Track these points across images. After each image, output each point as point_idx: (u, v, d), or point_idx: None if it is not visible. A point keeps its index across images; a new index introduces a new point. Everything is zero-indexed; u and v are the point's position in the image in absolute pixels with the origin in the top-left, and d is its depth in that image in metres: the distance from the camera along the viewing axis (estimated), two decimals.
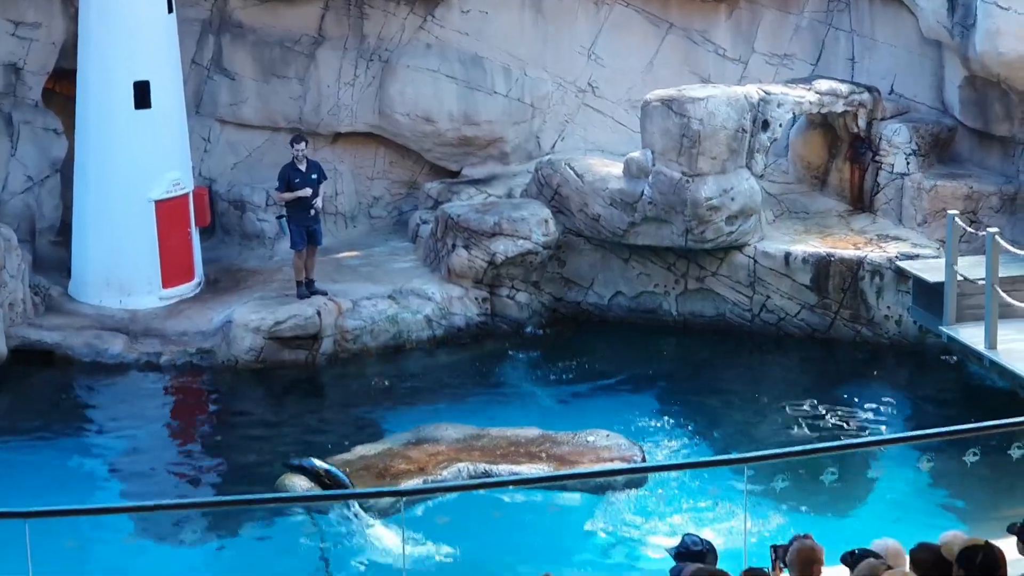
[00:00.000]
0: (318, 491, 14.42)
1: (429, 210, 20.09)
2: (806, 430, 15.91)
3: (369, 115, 20.85)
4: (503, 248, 18.65)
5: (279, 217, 18.81)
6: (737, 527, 11.40)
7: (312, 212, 18.34)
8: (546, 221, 18.77)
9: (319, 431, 16.51)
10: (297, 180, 18.30)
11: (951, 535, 8.56)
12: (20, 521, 10.68)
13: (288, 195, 18.30)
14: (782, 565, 9.18)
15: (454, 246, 18.83)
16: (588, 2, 20.86)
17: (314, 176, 18.41)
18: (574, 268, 19.18)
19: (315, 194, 18.33)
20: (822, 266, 18.10)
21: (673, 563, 9.67)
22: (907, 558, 8.80)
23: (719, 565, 9.46)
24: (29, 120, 19.74)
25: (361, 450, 15.52)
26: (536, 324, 18.97)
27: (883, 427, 16.08)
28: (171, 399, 17.60)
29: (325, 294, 18.39)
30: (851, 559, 8.81)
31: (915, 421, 16.35)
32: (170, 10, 18.78)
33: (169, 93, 18.89)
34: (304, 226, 18.34)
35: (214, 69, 20.79)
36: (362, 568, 13.35)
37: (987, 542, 7.84)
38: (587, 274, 19.19)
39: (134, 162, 18.61)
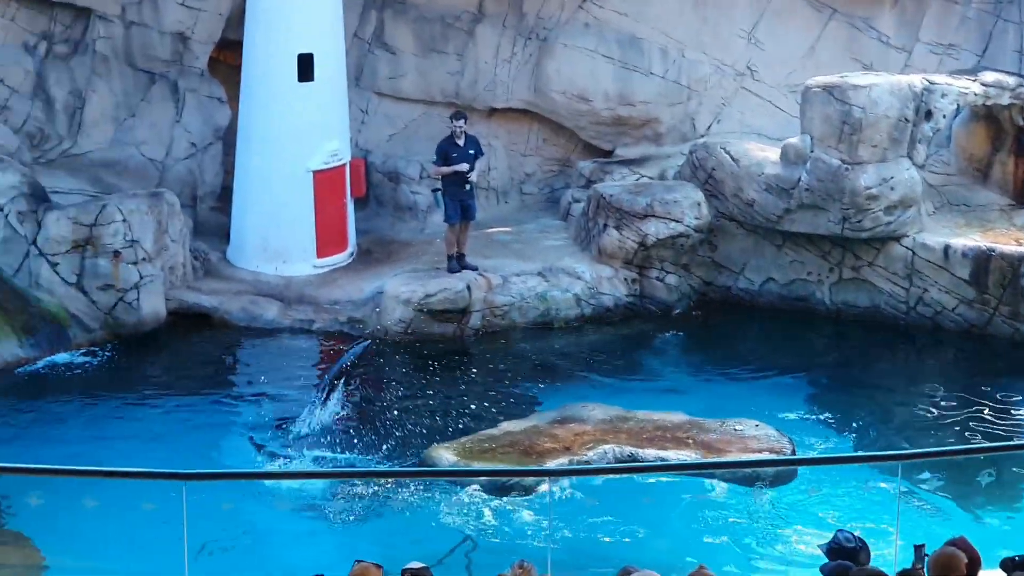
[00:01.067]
0: (463, 467, 14.54)
1: (581, 189, 20.10)
2: (962, 429, 15.66)
3: (525, 92, 20.90)
4: (654, 230, 18.61)
5: (435, 190, 18.95)
6: (890, 526, 11.26)
7: (468, 187, 18.45)
8: (699, 204, 18.68)
9: (465, 405, 16.63)
10: (455, 155, 18.41)
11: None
12: (178, 483, 10.91)
13: (445, 169, 18.42)
14: (921, 567, 9.07)
15: (605, 226, 18.83)
16: None
17: (471, 151, 18.51)
18: (725, 252, 19.07)
19: (471, 169, 18.42)
20: (982, 261, 17.79)
21: (824, 559, 9.59)
22: None
23: (872, 563, 9.36)
24: (194, 88, 20.11)
25: (507, 426, 15.60)
26: (685, 307, 18.90)
27: None
28: (321, 367, 17.84)
29: (475, 269, 18.51)
30: (1012, 564, 8.66)
31: None
32: None
33: (331, 66, 19.11)
34: (459, 200, 18.47)
35: (375, 43, 20.98)
36: (507, 544, 13.41)
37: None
38: (738, 259, 19.07)
39: (295, 132, 18.87)
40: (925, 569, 8.93)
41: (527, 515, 13.93)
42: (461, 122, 18.58)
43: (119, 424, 16.15)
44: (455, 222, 18.55)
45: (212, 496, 12.99)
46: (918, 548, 9.27)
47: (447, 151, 18.48)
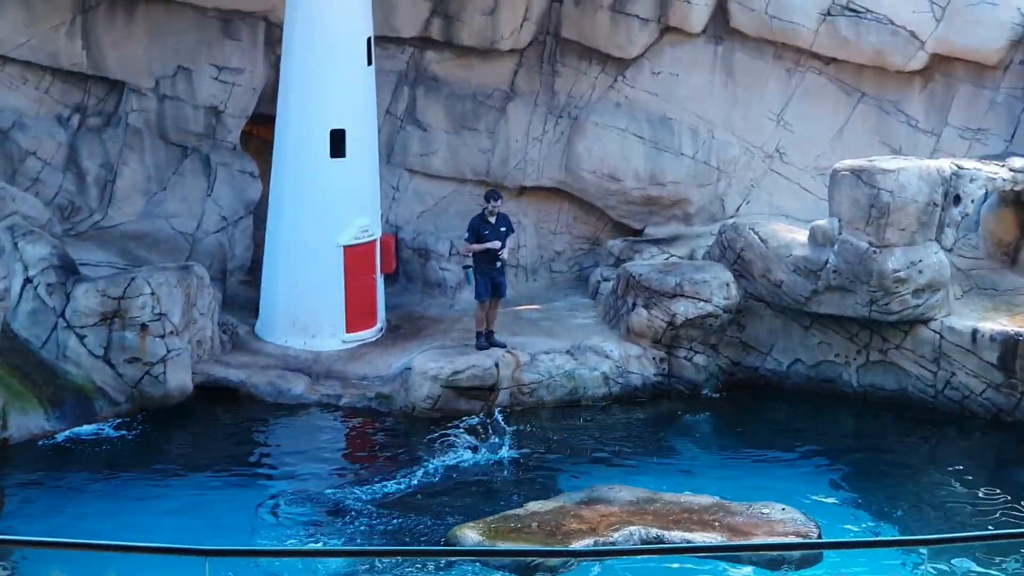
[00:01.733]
0: (488, 546, 14.48)
1: (610, 267, 20.14)
2: (987, 514, 15.54)
3: (555, 170, 21.00)
4: (683, 309, 18.62)
5: (466, 267, 19.01)
6: None
7: (499, 264, 18.52)
8: (728, 284, 18.70)
9: (491, 484, 16.57)
10: (487, 232, 18.50)
11: None
12: (200, 559, 10.90)
13: (477, 247, 18.50)
14: None
15: (634, 305, 18.85)
16: (780, 68, 20.80)
17: (502, 228, 18.61)
18: (753, 333, 19.05)
19: (503, 246, 18.50)
20: (1010, 345, 17.73)
21: None
22: None
23: None
24: (226, 163, 20.28)
25: (533, 506, 15.54)
26: (713, 387, 18.87)
27: None
28: (347, 443, 17.84)
29: (504, 346, 18.53)
30: None
31: None
32: (369, 62, 19.16)
33: (363, 142, 19.25)
34: (490, 277, 18.53)
35: (407, 120, 21.15)
36: None
37: None
38: (766, 340, 19.04)
39: (326, 208, 18.99)
40: None
41: None
42: (498, 203, 18.64)
43: (143, 498, 16.13)
44: (485, 299, 18.60)
45: (234, 572, 13.01)
46: None
47: (479, 228, 18.57)
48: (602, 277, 20.19)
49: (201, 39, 20.12)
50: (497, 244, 18.48)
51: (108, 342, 17.86)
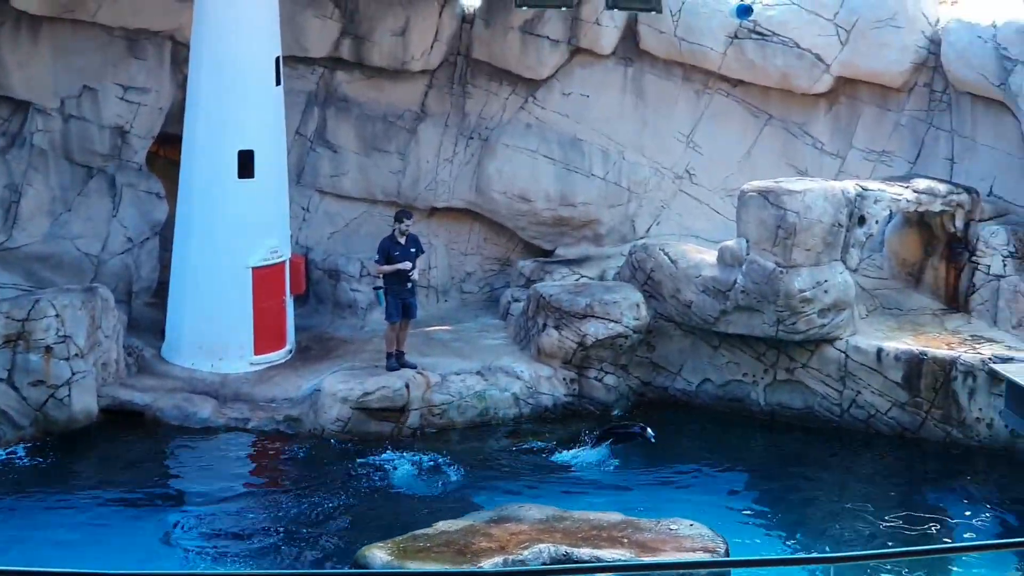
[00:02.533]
0: (397, 567, 14.41)
1: (521, 288, 20.18)
2: (893, 531, 15.69)
3: (466, 191, 21.03)
4: (594, 330, 18.67)
5: (376, 288, 18.94)
6: None
7: (409, 285, 18.47)
8: (638, 305, 18.78)
9: (400, 504, 16.51)
10: (396, 253, 18.45)
11: None
12: None
13: (387, 267, 18.43)
14: None
15: (545, 326, 18.88)
16: (689, 90, 20.97)
17: (412, 249, 18.56)
18: (663, 353, 19.15)
19: (413, 267, 18.46)
20: (914, 364, 17.95)
21: None
22: None
23: None
24: (132, 183, 20.11)
25: (442, 526, 15.48)
26: (623, 407, 18.93)
27: (972, 531, 15.83)
28: (255, 466, 17.70)
29: (414, 367, 18.48)
30: None
31: (1005, 527, 16.07)
32: (278, 83, 19.09)
33: (272, 163, 19.16)
34: (400, 298, 18.48)
35: (317, 141, 21.08)
36: None
37: None
38: (676, 360, 19.14)
39: (234, 229, 18.86)
40: None
41: None
42: (409, 222, 18.59)
43: (48, 523, 15.90)
44: (395, 320, 18.55)
45: None
46: None
47: (389, 249, 18.50)
48: (513, 298, 20.22)
49: (107, 58, 19.95)
50: (408, 265, 18.43)
51: (12, 365, 17.60)
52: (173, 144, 19.87)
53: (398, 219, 18.65)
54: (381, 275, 18.62)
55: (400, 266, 18.40)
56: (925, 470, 17.44)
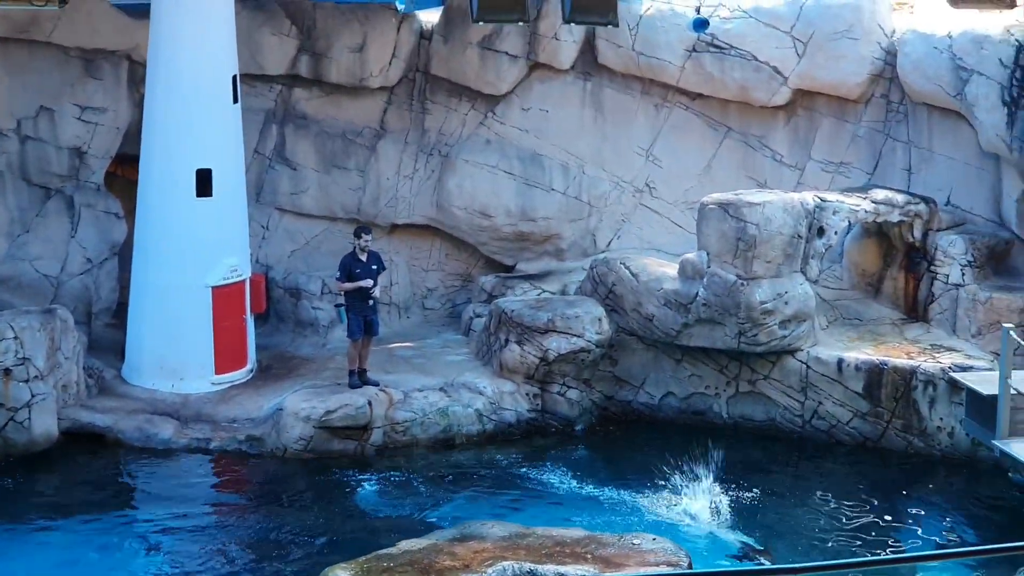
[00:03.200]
0: None
1: (483, 304, 20.17)
2: (855, 541, 15.73)
3: (427, 208, 21.01)
4: (556, 345, 18.67)
5: (338, 306, 18.89)
6: None
7: (371, 302, 18.43)
8: (599, 319, 18.79)
9: (364, 524, 16.47)
10: (358, 270, 18.40)
11: None
12: None
13: (349, 285, 18.38)
14: None
15: (507, 341, 18.87)
16: (648, 104, 21.02)
17: (374, 267, 18.52)
18: (626, 367, 19.16)
19: (375, 284, 18.42)
20: (875, 374, 18.01)
21: None
22: None
23: None
24: (91, 203, 20.02)
25: (406, 544, 15.45)
26: (586, 422, 18.93)
27: (934, 540, 15.89)
28: (218, 487, 17.61)
29: (377, 384, 18.44)
30: None
31: (966, 536, 16.15)
32: (235, 100, 19.03)
33: (231, 181, 19.10)
34: (362, 315, 18.44)
35: (276, 159, 21.04)
36: None
37: None
38: (639, 373, 19.16)
39: (193, 248, 18.79)
40: None
41: None
42: (368, 237, 18.57)
43: (7, 547, 15.78)
44: (357, 338, 18.50)
45: None
46: None
47: (350, 267, 18.45)
48: (474, 314, 20.20)
49: (63, 79, 19.87)
50: (369, 282, 18.39)
51: None
52: (131, 164, 19.79)
53: (357, 235, 18.63)
54: (343, 292, 18.58)
55: (362, 283, 18.36)
56: (887, 480, 17.49)
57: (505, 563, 14.77)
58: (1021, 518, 16.26)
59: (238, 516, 16.94)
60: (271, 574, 15.26)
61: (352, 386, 18.43)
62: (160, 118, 18.81)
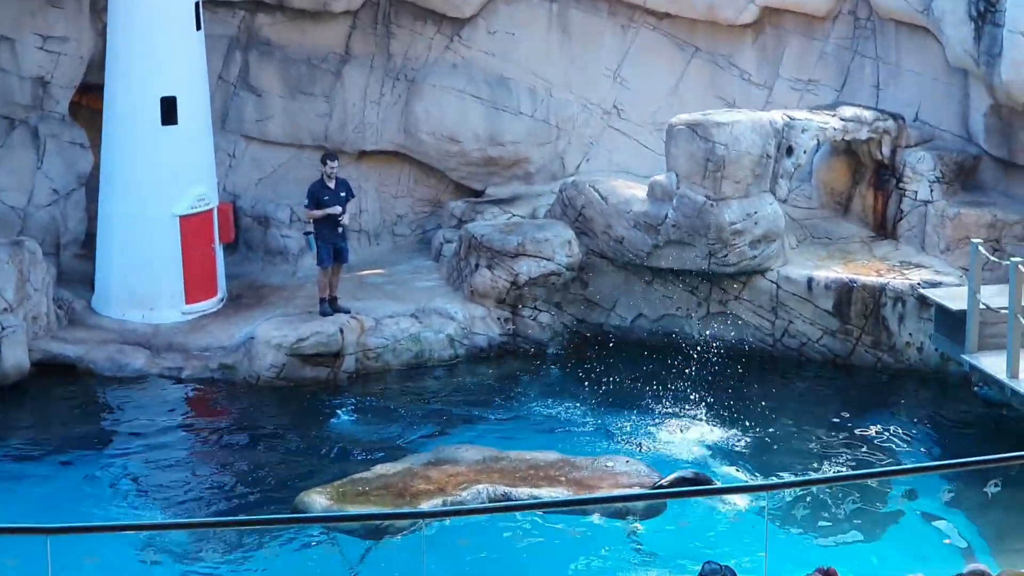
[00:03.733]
0: (337, 511, 14.44)
1: (453, 229, 20.13)
2: (826, 457, 15.87)
3: (394, 134, 20.91)
4: (526, 269, 18.68)
5: (307, 234, 18.81)
6: (758, 555, 11.38)
7: (340, 229, 18.38)
8: (569, 242, 18.80)
9: (338, 449, 16.53)
10: (326, 197, 18.33)
11: (980, 568, 8.53)
12: (42, 537, 10.72)
13: (317, 212, 18.32)
14: None
15: (477, 266, 18.87)
16: (615, 25, 20.90)
17: (342, 194, 18.45)
18: (597, 290, 19.19)
19: (343, 211, 18.37)
20: (844, 292, 18.09)
21: None
22: None
23: None
24: (55, 134, 19.85)
25: (381, 469, 15.55)
26: (558, 345, 18.98)
27: (904, 455, 16.05)
28: (191, 415, 17.64)
29: (348, 312, 18.43)
30: None
31: (936, 450, 16.31)
32: (198, 27, 18.86)
33: (196, 109, 18.97)
34: (331, 243, 18.39)
35: (241, 85, 20.87)
36: None
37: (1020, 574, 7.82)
38: (609, 296, 19.20)
39: (159, 177, 18.69)
40: None
41: (402, 557, 13.86)
42: (334, 164, 18.50)
43: None
44: (327, 265, 18.45)
45: (80, 549, 12.80)
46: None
47: (318, 194, 18.37)
48: (444, 239, 20.17)
49: (23, 8, 19.62)
50: (338, 209, 18.32)
51: None
52: (96, 93, 19.61)
53: (323, 161, 18.58)
54: (311, 220, 18.52)
55: (330, 210, 18.29)
56: (858, 396, 17.61)
57: (479, 486, 14.89)
58: (989, 431, 16.42)
59: (213, 444, 16.99)
60: (247, 500, 15.31)
61: (323, 314, 18.41)
62: (123, 46, 18.63)
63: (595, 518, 14.47)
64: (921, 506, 14.86)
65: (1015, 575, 7.70)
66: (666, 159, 18.62)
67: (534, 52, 20.87)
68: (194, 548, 14.37)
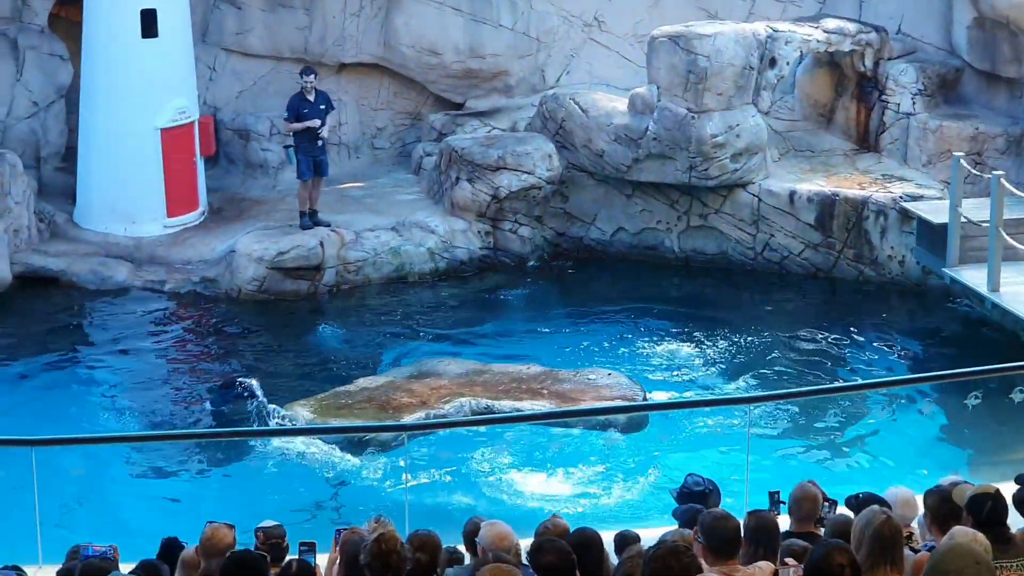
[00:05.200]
0: (320, 424, 14.51)
1: (433, 142, 20.07)
2: (808, 370, 15.96)
3: (374, 46, 20.77)
4: (507, 182, 18.65)
5: (286, 147, 18.80)
6: (740, 468, 11.47)
7: (319, 142, 18.33)
8: (550, 156, 18.76)
9: (320, 363, 16.57)
10: (306, 110, 18.27)
11: (957, 480, 8.62)
12: (26, 449, 10.77)
13: (297, 125, 18.27)
14: (776, 511, 9.21)
15: (458, 179, 18.83)
16: None
17: (322, 106, 18.39)
18: (577, 203, 19.19)
19: (323, 124, 18.31)
20: (827, 205, 18.12)
21: (675, 504, 9.74)
22: (919, 507, 8.82)
23: (722, 505, 9.52)
24: (35, 45, 19.67)
25: (363, 382, 15.59)
26: (538, 259, 19.00)
27: (885, 368, 16.15)
28: (174, 327, 17.66)
29: (328, 225, 18.41)
30: (856, 503, 8.86)
31: (917, 363, 16.40)
32: None
33: (176, 22, 18.82)
34: (311, 156, 18.35)
35: None
36: (366, 499, 13.43)
37: (996, 490, 7.91)
38: (590, 209, 19.20)
39: (140, 90, 18.58)
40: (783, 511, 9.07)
41: (384, 469, 13.93)
42: (311, 77, 18.44)
43: None
44: (307, 178, 18.41)
45: (64, 460, 12.87)
46: (772, 495, 9.41)
47: (298, 107, 18.31)
48: (425, 152, 20.11)
49: None
50: (317, 122, 18.26)
51: None
52: (75, 5, 19.41)
53: (302, 75, 18.54)
54: (291, 133, 18.44)
55: (309, 123, 18.23)
56: (839, 309, 17.68)
57: (462, 399, 14.95)
58: (969, 344, 16.53)
59: (195, 357, 17.01)
60: (228, 412, 15.35)
61: (303, 227, 18.39)
62: None
63: (576, 431, 14.55)
64: (900, 419, 14.98)
65: (988, 489, 7.81)
66: (647, 72, 18.55)
67: None
68: (175, 459, 14.42)
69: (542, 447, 14.25)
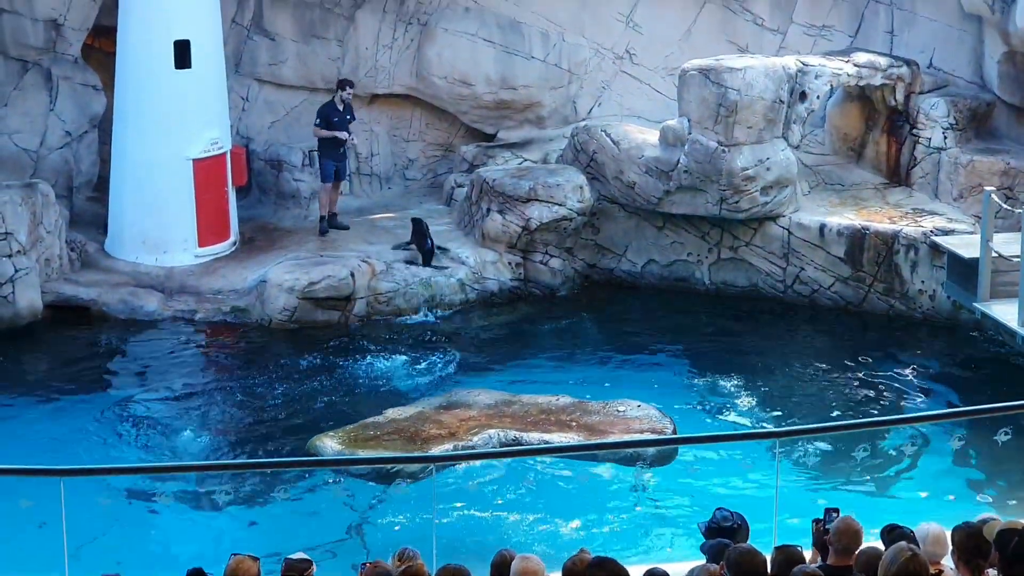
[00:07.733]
0: (348, 455, 14.51)
1: (464, 173, 20.13)
2: (838, 404, 15.91)
3: (406, 77, 20.87)
4: (538, 214, 18.68)
5: (311, 151, 19.68)
6: (769, 502, 11.42)
7: (342, 150, 19.37)
8: (581, 187, 18.79)
9: (350, 394, 16.58)
10: (336, 119, 19.23)
11: (987, 518, 8.57)
12: (55, 479, 10.80)
13: (326, 133, 19.27)
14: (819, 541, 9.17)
15: (489, 210, 18.87)
16: None
17: (348, 116, 19.38)
18: (608, 235, 19.20)
19: (350, 134, 19.36)
20: (857, 239, 18.08)
21: (703, 539, 9.69)
22: (948, 544, 8.75)
23: (750, 541, 9.47)
24: (68, 76, 19.82)
25: (392, 413, 15.59)
26: (569, 290, 19.01)
27: (915, 403, 16.07)
28: (203, 358, 17.71)
29: (347, 228, 19.18)
30: (887, 537, 8.81)
31: (947, 398, 16.33)
32: None
33: (209, 52, 18.94)
34: (334, 161, 19.32)
35: (254, 29, 20.82)
36: (394, 531, 13.42)
37: None
38: (621, 241, 19.21)
39: (173, 120, 18.70)
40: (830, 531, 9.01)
41: (412, 501, 13.93)
42: (348, 92, 19.41)
43: None
44: (330, 181, 19.32)
45: (92, 491, 12.90)
46: (829, 511, 9.37)
47: (329, 115, 19.35)
48: (456, 183, 20.17)
49: None
50: (345, 135, 19.25)
51: None
52: (108, 36, 19.57)
53: (341, 86, 19.42)
54: (318, 138, 19.30)
55: (339, 134, 19.24)
56: (869, 344, 17.61)
57: (491, 431, 14.93)
58: (1000, 379, 16.43)
59: (225, 387, 17.03)
60: (259, 444, 15.38)
61: (322, 232, 19.20)
62: None
63: (605, 464, 14.50)
64: (931, 454, 14.90)
65: (1015, 525, 7.75)
66: (678, 104, 18.57)
67: None
68: (205, 490, 14.44)
69: (570, 480, 14.21)
